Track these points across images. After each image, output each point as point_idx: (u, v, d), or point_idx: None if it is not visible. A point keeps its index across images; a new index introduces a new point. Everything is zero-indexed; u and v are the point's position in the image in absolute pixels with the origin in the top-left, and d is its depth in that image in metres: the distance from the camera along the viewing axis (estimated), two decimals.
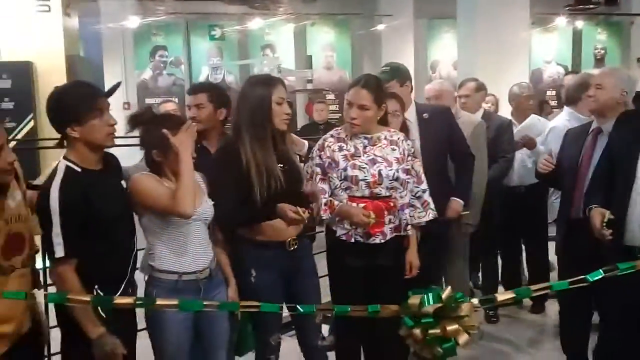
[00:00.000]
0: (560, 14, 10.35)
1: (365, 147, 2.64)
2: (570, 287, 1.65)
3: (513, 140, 3.97)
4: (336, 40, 10.53)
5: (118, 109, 7.81)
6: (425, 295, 1.51)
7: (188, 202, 2.11)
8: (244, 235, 2.50)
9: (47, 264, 2.23)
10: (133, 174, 2.26)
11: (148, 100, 9.26)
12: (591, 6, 10.07)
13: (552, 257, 3.44)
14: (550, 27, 10.59)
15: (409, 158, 2.70)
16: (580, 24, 10.78)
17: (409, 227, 2.73)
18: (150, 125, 2.24)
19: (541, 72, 10.70)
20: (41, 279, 2.40)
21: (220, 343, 2.37)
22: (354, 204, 2.59)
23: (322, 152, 2.66)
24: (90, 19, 8.39)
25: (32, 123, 5.55)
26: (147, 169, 2.28)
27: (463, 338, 1.49)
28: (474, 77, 4.27)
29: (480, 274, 4.41)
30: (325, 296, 2.87)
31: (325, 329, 3.38)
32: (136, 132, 2.32)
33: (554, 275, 3.95)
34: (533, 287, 1.63)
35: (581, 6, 10.05)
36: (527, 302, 4.21)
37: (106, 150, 2.18)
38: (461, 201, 3.25)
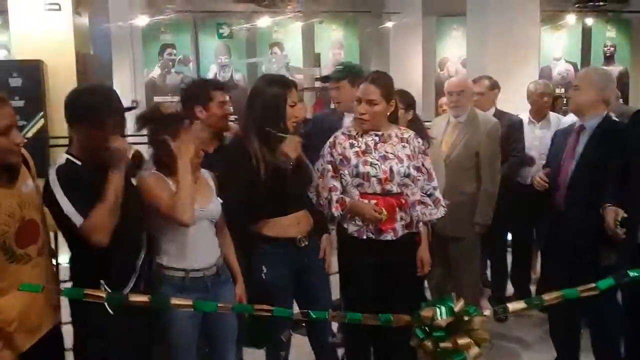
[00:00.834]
0: (569, 11, 10.29)
1: (376, 144, 2.65)
2: (581, 295, 1.66)
3: (523, 138, 3.96)
4: (344, 38, 10.51)
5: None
6: (438, 308, 1.53)
7: (186, 211, 2.11)
8: (255, 232, 2.51)
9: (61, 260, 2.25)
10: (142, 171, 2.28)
11: (156, 99, 9.28)
12: (601, 3, 10.00)
13: None
14: (559, 25, 10.52)
15: (420, 155, 2.70)
16: (589, 21, 10.71)
17: (421, 224, 2.73)
18: (159, 125, 2.24)
19: (550, 69, 10.63)
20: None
21: (230, 337, 2.38)
22: (366, 201, 2.59)
23: (334, 149, 2.66)
24: (99, 18, 8.42)
25: (42, 121, 5.59)
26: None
27: (474, 351, 1.52)
28: (487, 75, 4.25)
29: (488, 271, 4.40)
30: (335, 293, 2.87)
31: (334, 325, 3.39)
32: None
33: None
34: (545, 297, 1.65)
35: (591, 3, 9.99)
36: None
37: None
38: None
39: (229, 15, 9.78)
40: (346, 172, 2.63)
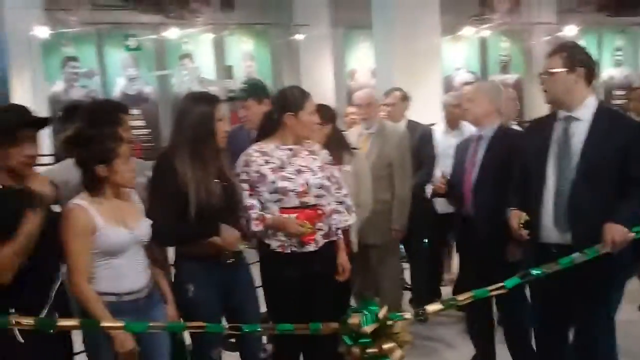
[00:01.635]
0: (467, 23, 10.93)
1: (289, 158, 2.71)
2: (491, 294, 1.83)
3: (434, 148, 4.17)
4: (255, 50, 10.56)
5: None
6: (363, 315, 1.63)
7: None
8: (180, 251, 2.49)
9: None
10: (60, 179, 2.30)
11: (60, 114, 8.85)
12: (494, 16, 10.72)
13: None
14: (459, 36, 11.14)
15: (328, 166, 2.81)
16: (486, 33, 11.42)
17: (339, 231, 2.82)
18: (93, 142, 2.19)
19: (452, 79, 11.22)
20: None
21: (161, 356, 2.35)
22: (286, 215, 2.64)
23: (248, 168, 2.68)
24: None
25: None
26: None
27: (398, 354, 1.65)
28: (398, 87, 4.44)
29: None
30: (261, 305, 2.89)
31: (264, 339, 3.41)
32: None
33: None
34: (459, 297, 1.85)
35: (486, 16, 10.68)
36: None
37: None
38: None
39: (136, 27, 9.54)
40: (264, 188, 2.66)
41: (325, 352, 2.63)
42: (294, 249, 2.66)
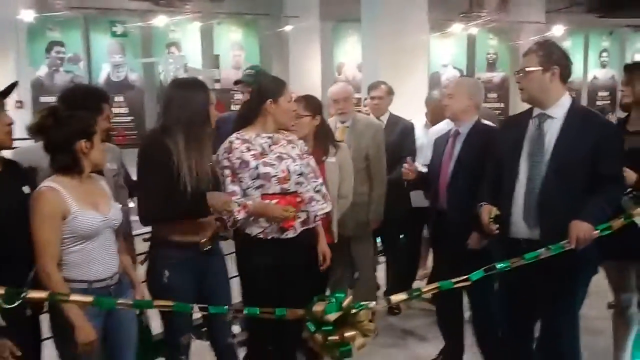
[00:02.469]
0: (456, 20, 10.96)
1: (270, 145, 2.75)
2: (455, 286, 1.86)
3: (414, 142, 4.20)
4: (244, 40, 10.52)
5: (10, 108, 7.35)
6: (328, 304, 1.67)
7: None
8: (157, 236, 2.50)
9: None
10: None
11: (43, 99, 8.74)
12: (483, 14, 10.76)
13: None
14: (446, 33, 11.18)
15: (305, 155, 2.85)
16: (474, 30, 11.47)
17: (317, 219, 2.85)
18: (73, 118, 2.18)
19: (439, 75, 11.27)
20: None
21: (128, 344, 2.36)
22: (267, 201, 2.66)
23: (230, 154, 2.70)
24: None
25: None
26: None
27: (359, 342, 1.69)
28: (383, 81, 4.45)
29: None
30: (236, 296, 2.91)
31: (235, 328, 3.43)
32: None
33: None
34: (424, 288, 1.88)
35: (474, 13, 10.72)
36: None
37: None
38: None
39: (122, 13, 9.46)
40: (246, 175, 2.68)
41: (292, 338, 2.66)
42: (274, 235, 2.69)
